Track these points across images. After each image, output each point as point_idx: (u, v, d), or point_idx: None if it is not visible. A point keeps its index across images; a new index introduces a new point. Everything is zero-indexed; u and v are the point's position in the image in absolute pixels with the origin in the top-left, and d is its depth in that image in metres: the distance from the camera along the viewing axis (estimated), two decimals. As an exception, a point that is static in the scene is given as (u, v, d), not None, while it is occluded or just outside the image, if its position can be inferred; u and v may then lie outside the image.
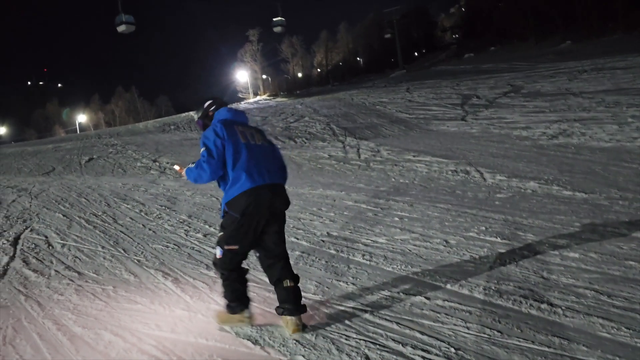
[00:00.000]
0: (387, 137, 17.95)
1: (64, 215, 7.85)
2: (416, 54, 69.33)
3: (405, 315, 3.39)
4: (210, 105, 3.79)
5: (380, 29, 63.06)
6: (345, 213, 7.00)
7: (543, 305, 3.38)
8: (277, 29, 52.71)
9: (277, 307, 3.39)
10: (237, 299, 3.46)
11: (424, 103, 23.58)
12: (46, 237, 6.50)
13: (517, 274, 4.04)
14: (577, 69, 22.89)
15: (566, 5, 44.38)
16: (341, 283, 4.14)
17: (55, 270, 5.06)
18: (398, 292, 3.82)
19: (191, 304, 3.88)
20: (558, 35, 43.70)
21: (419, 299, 3.66)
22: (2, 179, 13.23)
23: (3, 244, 6.22)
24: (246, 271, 3.62)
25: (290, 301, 3.33)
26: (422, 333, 3.10)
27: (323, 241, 5.56)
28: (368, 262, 4.66)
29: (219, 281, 3.51)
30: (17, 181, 12.75)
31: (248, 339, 3.20)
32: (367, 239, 5.50)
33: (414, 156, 13.00)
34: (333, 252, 5.10)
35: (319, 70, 66.63)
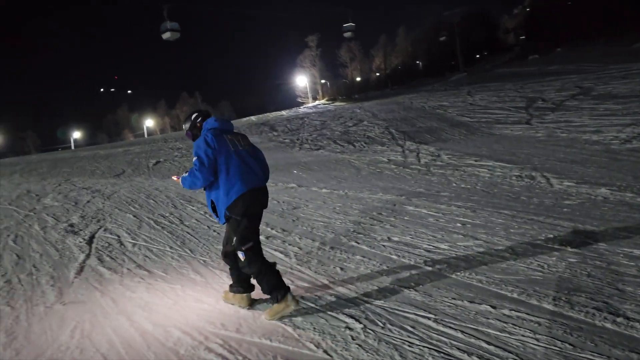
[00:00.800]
0: (447, 141, 17.62)
1: (134, 216, 8.23)
2: (477, 56, 67.66)
3: (470, 323, 3.32)
4: (197, 117, 4.13)
5: (439, 32, 62.07)
6: (405, 218, 6.93)
7: (619, 319, 3.21)
8: (348, 34, 53.53)
9: (273, 293, 3.70)
10: (276, 287, 3.72)
11: (486, 106, 22.98)
12: (118, 236, 6.84)
13: (589, 285, 3.86)
14: (653, 69, 21.59)
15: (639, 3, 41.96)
16: (403, 289, 4.10)
17: (128, 269, 5.32)
18: (462, 300, 3.75)
19: (255, 305, 3.96)
20: (630, 35, 41.33)
21: (484, 307, 3.57)
22: (77, 181, 14.03)
23: (80, 242, 6.59)
24: (274, 263, 3.89)
25: (283, 283, 3.75)
26: (488, 343, 3.03)
27: (384, 246, 5.53)
28: (430, 269, 4.59)
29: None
30: (90, 182, 13.49)
31: (311, 342, 3.24)
32: (428, 245, 5.42)
33: (475, 161, 12.68)
34: (394, 257, 5.07)
35: (377, 74, 66.33)
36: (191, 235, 6.64)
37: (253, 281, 3.99)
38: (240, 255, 3.77)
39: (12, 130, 65.93)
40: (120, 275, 5.09)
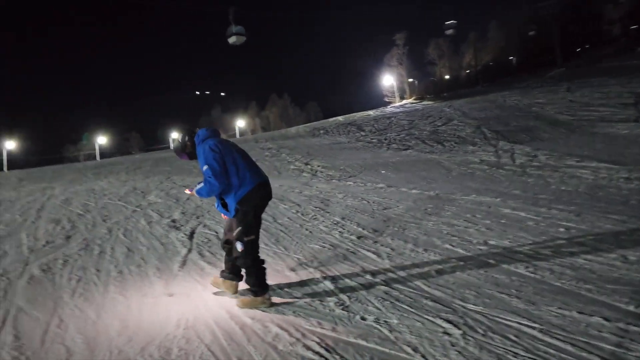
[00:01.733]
0: (545, 140, 16.69)
1: (229, 213, 8.57)
2: (578, 50, 63.28)
3: (581, 336, 3.11)
4: (184, 137, 4.34)
5: (534, 26, 58.73)
6: (502, 221, 6.64)
7: None
8: (450, 32, 52.69)
9: (256, 287, 4.10)
10: (260, 284, 4.12)
11: (587, 103, 21.51)
12: (216, 232, 7.15)
13: None
14: None
15: None
16: (503, 295, 3.93)
17: (226, 264, 5.55)
18: (569, 310, 3.52)
19: (350, 305, 3.98)
20: None
21: (595, 319, 3.33)
22: (177, 179, 14.88)
23: (181, 237, 6.97)
24: (264, 261, 4.26)
25: (266, 281, 4.19)
26: (602, 358, 2.81)
27: (480, 249, 5.33)
28: (532, 275, 4.36)
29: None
30: (189, 181, 14.25)
31: (408, 345, 3.19)
32: (529, 250, 5.16)
33: (577, 162, 11.91)
34: (491, 261, 4.87)
35: (467, 71, 64.11)
36: (284, 233, 6.80)
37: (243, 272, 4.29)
38: (240, 245, 4.08)
39: (118, 132, 71.33)
40: (219, 270, 5.32)
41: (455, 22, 51.77)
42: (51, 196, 12.16)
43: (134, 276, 5.22)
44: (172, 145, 4.53)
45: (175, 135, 4.46)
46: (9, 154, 52.69)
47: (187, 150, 4.36)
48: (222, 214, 4.46)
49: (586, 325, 3.26)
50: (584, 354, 2.88)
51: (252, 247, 4.14)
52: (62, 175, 19.29)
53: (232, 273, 4.40)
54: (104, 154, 61.56)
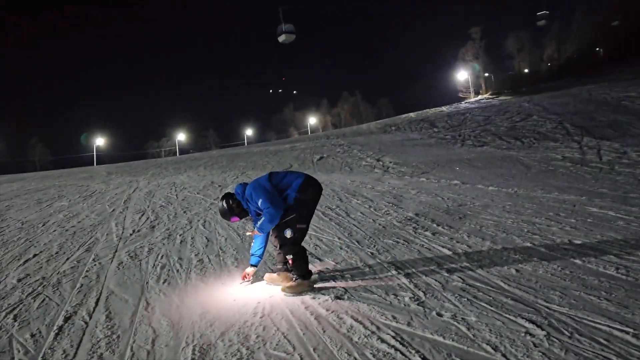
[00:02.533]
0: (635, 136, 15.59)
1: (303, 207, 8.70)
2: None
3: (681, 343, 2.88)
4: (227, 201, 4.59)
5: (620, 14, 54.74)
6: (589, 220, 6.28)
7: None
8: (542, 22, 50.88)
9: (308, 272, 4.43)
10: (306, 269, 4.40)
11: (687, 96, 19.81)
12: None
13: None
14: None
15: None
16: (592, 297, 3.71)
17: (300, 256, 5.64)
18: (668, 316, 3.27)
19: (426, 301, 3.91)
20: None
21: (698, 326, 3.07)
22: (251, 174, 15.29)
23: (257, 229, 7.16)
24: (305, 248, 4.54)
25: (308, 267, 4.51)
26: None
27: (565, 249, 5.07)
28: (624, 277, 4.08)
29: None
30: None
31: (487, 344, 3.09)
32: (619, 251, 4.84)
33: (674, 159, 11.02)
34: (578, 261, 4.61)
35: (548, 64, 60.97)
36: (357, 228, 6.81)
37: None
38: (289, 232, 4.32)
39: (196, 129, 74.37)
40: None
41: (547, 12, 49.56)
42: (136, 189, 12.90)
43: (214, 265, 5.43)
44: (220, 216, 4.81)
45: (223, 204, 4.63)
46: (98, 149, 56.43)
47: (236, 212, 4.61)
48: (253, 231, 4.65)
49: (687, 332, 3.02)
50: (685, 363, 2.67)
51: (299, 237, 4.41)
52: (146, 170, 20.41)
53: (306, 271, 4.48)
54: (183, 150, 64.48)
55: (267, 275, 4.72)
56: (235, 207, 4.61)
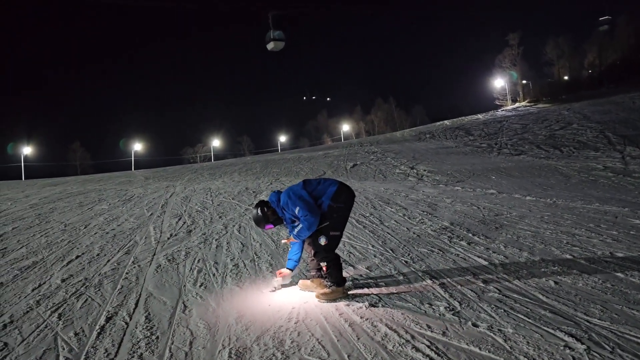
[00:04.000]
0: (683, 146, 15.02)
1: (336, 214, 8.72)
2: None
3: None
4: (262, 209, 4.60)
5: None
6: (631, 232, 6.09)
7: None
8: (604, 27, 50.04)
9: (343, 279, 4.45)
10: (340, 277, 4.41)
11: None
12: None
13: None
14: None
15: None
16: (635, 312, 3.60)
17: (334, 263, 5.66)
18: None
19: (461, 311, 3.87)
20: None
21: None
22: (285, 180, 15.43)
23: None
24: (339, 256, 4.54)
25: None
26: None
27: (606, 262, 4.93)
28: (669, 292, 3.95)
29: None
30: (295, 182, 14.74)
31: (525, 356, 3.04)
32: (664, 265, 4.68)
33: None
34: (620, 275, 4.48)
35: (589, 71, 59.40)
36: (391, 236, 6.79)
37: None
38: (323, 239, 4.33)
39: (231, 134, 75.50)
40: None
41: (609, 17, 48.75)
42: (173, 194, 13.18)
43: (249, 269, 5.51)
44: (254, 223, 4.78)
45: (259, 211, 4.65)
46: (136, 154, 57.86)
47: (270, 220, 4.65)
48: (289, 238, 4.71)
49: None
50: None
51: (334, 243, 4.45)
52: (182, 175, 20.82)
53: (340, 278, 4.48)
54: (218, 155, 65.46)
55: (301, 281, 4.75)
56: (270, 214, 4.65)
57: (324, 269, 4.44)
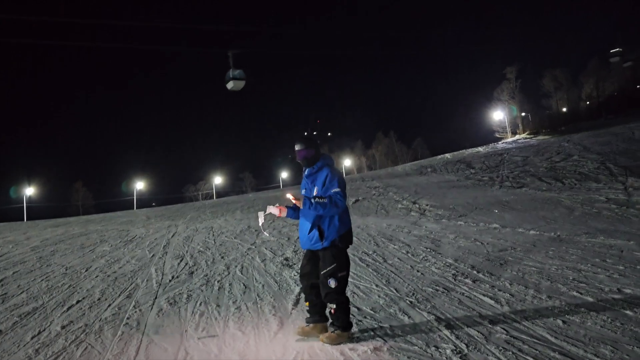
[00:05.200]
0: (684, 176, 15.00)
1: (339, 253, 8.65)
2: None
3: None
4: (315, 140, 4.50)
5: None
6: (638, 267, 6.02)
7: None
8: (615, 59, 51.09)
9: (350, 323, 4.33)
10: (347, 320, 4.29)
11: None
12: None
13: None
14: None
15: None
16: (646, 352, 3.52)
17: (337, 304, 5.57)
18: None
19: (468, 354, 3.79)
20: None
21: None
22: (288, 218, 15.38)
23: (294, 275, 7.13)
24: (349, 299, 4.43)
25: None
26: None
27: (614, 299, 4.85)
28: (680, 331, 3.87)
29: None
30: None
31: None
32: (674, 301, 4.60)
33: None
34: (629, 312, 4.40)
35: (587, 102, 59.95)
36: (395, 274, 6.71)
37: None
38: (333, 282, 4.22)
39: (232, 172, 75.77)
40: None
41: (621, 49, 49.92)
42: (175, 233, 13.13)
43: (251, 312, 5.42)
44: (296, 141, 4.46)
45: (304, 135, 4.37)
46: (138, 193, 57.96)
47: (311, 147, 4.42)
48: (297, 198, 4.32)
49: None
50: None
51: (344, 285, 4.34)
52: (184, 214, 20.79)
53: (348, 321, 4.34)
54: (220, 193, 65.53)
55: (300, 328, 4.63)
56: (315, 146, 4.47)
57: (332, 311, 4.33)
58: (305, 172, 4.55)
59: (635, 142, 22.87)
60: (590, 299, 4.92)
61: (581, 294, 5.12)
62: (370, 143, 78.97)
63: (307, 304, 4.56)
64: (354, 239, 9.39)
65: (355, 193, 21.34)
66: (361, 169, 73.43)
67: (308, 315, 4.54)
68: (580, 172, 18.63)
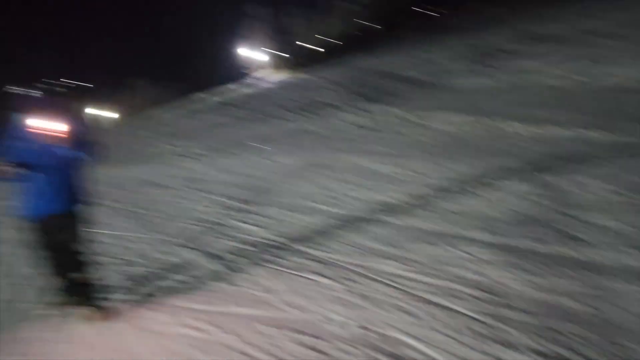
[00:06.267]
0: (400, 97, 17.56)
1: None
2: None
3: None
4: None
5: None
6: (369, 178, 7.15)
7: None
8: None
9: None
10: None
11: (430, 60, 22.88)
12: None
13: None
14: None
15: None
16: (375, 245, 4.27)
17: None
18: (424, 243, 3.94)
19: (233, 277, 4.04)
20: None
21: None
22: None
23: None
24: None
25: None
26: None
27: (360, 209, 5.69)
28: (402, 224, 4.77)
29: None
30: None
31: (290, 306, 3.34)
32: (397, 201, 5.61)
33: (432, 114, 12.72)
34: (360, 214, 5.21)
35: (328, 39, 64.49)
36: (162, 219, 6.53)
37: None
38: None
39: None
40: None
41: None
42: None
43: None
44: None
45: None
46: None
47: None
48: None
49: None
50: (440, 282, 3.27)
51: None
52: None
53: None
54: None
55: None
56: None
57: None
58: None
59: (372, 73, 25.68)
60: (342, 212, 5.69)
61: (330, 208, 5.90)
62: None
63: None
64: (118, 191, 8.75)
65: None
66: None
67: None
68: (328, 103, 20.32)
